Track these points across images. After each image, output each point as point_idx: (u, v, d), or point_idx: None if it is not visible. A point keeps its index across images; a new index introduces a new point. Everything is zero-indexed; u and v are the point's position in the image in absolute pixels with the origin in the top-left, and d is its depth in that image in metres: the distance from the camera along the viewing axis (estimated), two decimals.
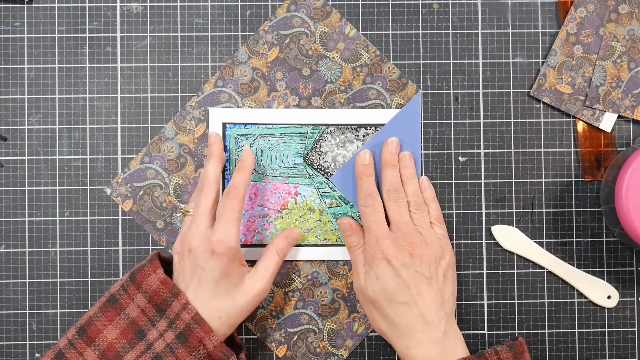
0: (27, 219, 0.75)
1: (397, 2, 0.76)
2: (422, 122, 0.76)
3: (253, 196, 0.75)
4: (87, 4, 0.76)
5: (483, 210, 0.76)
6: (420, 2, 0.76)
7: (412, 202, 0.71)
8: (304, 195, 0.75)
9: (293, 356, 0.75)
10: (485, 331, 0.75)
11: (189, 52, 0.76)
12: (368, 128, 0.75)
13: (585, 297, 0.76)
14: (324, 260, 0.75)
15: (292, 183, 0.75)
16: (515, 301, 0.76)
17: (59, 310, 0.74)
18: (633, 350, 0.76)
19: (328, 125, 0.75)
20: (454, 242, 0.76)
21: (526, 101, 0.76)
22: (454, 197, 0.76)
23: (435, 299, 0.68)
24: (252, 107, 0.75)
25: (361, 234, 0.73)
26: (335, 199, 0.75)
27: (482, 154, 0.76)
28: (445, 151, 0.76)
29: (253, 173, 0.75)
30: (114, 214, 0.75)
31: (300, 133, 0.75)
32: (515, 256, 0.76)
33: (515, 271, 0.76)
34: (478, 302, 0.76)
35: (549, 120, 0.76)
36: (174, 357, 0.65)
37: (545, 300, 0.76)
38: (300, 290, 0.75)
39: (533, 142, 0.76)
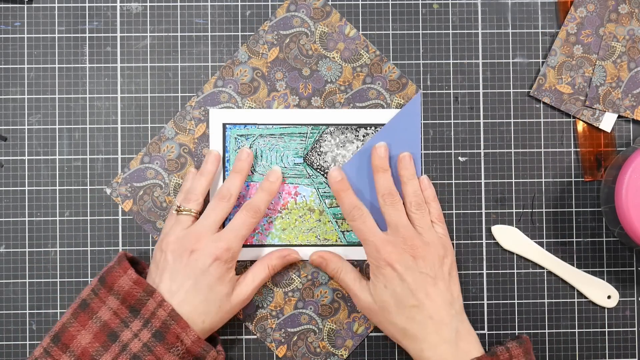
0: (27, 219, 0.75)
1: (397, 2, 0.76)
2: (422, 122, 0.76)
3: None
4: (87, 4, 0.76)
5: (483, 210, 0.76)
6: (420, 2, 0.76)
7: (413, 202, 0.71)
8: (304, 196, 0.75)
9: (293, 356, 0.75)
10: (485, 331, 0.75)
11: (189, 52, 0.76)
12: (368, 128, 0.75)
13: (585, 297, 0.76)
14: None
15: (292, 183, 0.75)
16: (515, 301, 0.76)
17: (59, 310, 0.74)
18: (633, 350, 0.76)
19: (328, 125, 0.75)
20: (454, 242, 0.76)
21: (526, 101, 0.76)
22: (454, 197, 0.76)
23: (444, 298, 0.68)
24: (252, 107, 0.75)
25: (336, 258, 0.73)
26: (335, 199, 0.75)
27: (482, 154, 0.76)
28: (445, 151, 0.76)
29: (253, 173, 0.75)
30: (114, 214, 0.75)
31: (300, 133, 0.75)
32: (515, 256, 0.76)
33: (515, 271, 0.76)
34: (478, 302, 0.76)
35: (549, 120, 0.76)
36: (153, 356, 0.65)
37: (545, 300, 0.76)
38: (300, 290, 0.75)
39: (533, 142, 0.76)
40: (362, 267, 0.75)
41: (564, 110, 0.76)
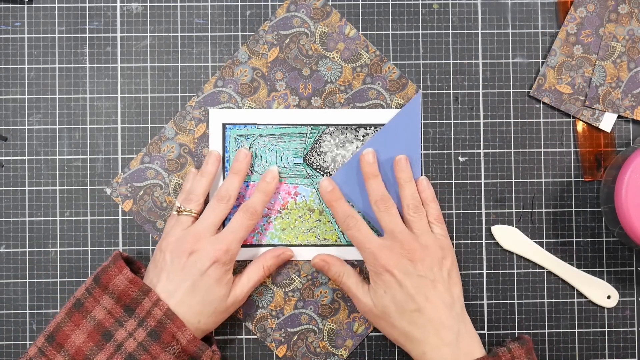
0: (27, 219, 0.75)
1: (397, 2, 0.76)
2: (422, 122, 0.76)
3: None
4: (87, 4, 0.76)
5: (483, 210, 0.76)
6: (420, 2, 0.76)
7: (410, 205, 0.71)
8: (304, 196, 0.75)
9: (293, 356, 0.75)
10: (485, 331, 0.75)
11: (189, 52, 0.76)
12: (367, 128, 0.75)
13: (585, 297, 0.76)
14: None
15: (292, 183, 0.75)
16: (515, 301, 0.76)
17: (59, 310, 0.74)
18: (633, 350, 0.76)
19: (327, 125, 0.75)
20: (454, 242, 0.76)
21: (526, 101, 0.76)
22: (453, 197, 0.76)
23: (444, 301, 0.68)
24: (252, 108, 0.75)
25: (339, 262, 0.73)
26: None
27: (482, 154, 0.76)
28: (445, 151, 0.76)
29: (252, 173, 0.75)
30: (114, 214, 0.75)
31: (300, 133, 0.75)
32: (515, 256, 0.76)
33: (515, 271, 0.76)
34: (478, 302, 0.76)
35: (549, 120, 0.76)
36: (149, 355, 0.65)
37: (545, 300, 0.76)
38: (300, 290, 0.75)
39: (533, 142, 0.76)
40: (361, 268, 0.75)
41: (563, 110, 0.76)
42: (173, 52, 0.76)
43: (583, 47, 0.75)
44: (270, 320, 0.75)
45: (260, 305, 0.75)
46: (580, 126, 0.76)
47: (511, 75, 0.76)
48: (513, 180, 0.76)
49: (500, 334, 0.75)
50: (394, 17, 0.76)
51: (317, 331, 0.75)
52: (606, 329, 0.76)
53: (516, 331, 0.75)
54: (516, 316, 0.76)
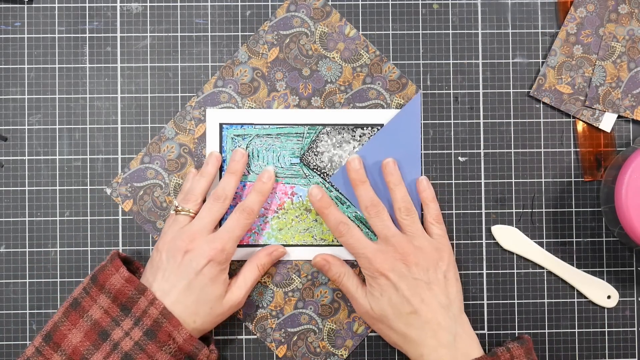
0: (27, 219, 0.75)
1: (397, 2, 0.76)
2: (422, 122, 0.76)
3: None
4: (87, 4, 0.76)
5: (483, 210, 0.76)
6: (420, 2, 0.76)
7: (402, 208, 0.71)
8: (300, 196, 0.75)
9: (293, 356, 0.75)
10: (485, 331, 0.75)
11: (189, 52, 0.76)
12: (365, 128, 0.75)
13: (585, 297, 0.76)
14: None
15: (289, 183, 0.75)
16: (515, 301, 0.76)
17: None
18: (633, 350, 0.76)
19: (325, 125, 0.75)
20: (454, 242, 0.76)
21: (526, 101, 0.76)
22: (453, 197, 0.76)
23: (440, 302, 0.68)
24: (252, 108, 0.75)
25: (339, 262, 0.73)
26: (332, 199, 0.75)
27: (482, 154, 0.76)
28: (445, 151, 0.76)
29: (249, 173, 0.75)
30: (114, 214, 0.75)
31: (297, 133, 0.75)
32: (515, 256, 0.76)
33: (515, 271, 0.76)
34: (478, 302, 0.76)
35: (549, 120, 0.76)
36: (145, 354, 0.65)
37: (545, 300, 0.76)
38: (300, 290, 0.75)
39: (533, 142, 0.76)
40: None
41: (563, 110, 0.76)
42: (173, 52, 0.76)
43: (583, 47, 0.75)
44: (270, 320, 0.75)
45: (260, 305, 0.75)
46: (580, 126, 0.76)
47: (511, 75, 0.76)
48: (513, 180, 0.76)
49: (500, 334, 0.75)
50: (394, 17, 0.76)
51: (317, 331, 0.75)
52: (606, 329, 0.75)
53: (516, 331, 0.75)
54: (516, 316, 0.75)
